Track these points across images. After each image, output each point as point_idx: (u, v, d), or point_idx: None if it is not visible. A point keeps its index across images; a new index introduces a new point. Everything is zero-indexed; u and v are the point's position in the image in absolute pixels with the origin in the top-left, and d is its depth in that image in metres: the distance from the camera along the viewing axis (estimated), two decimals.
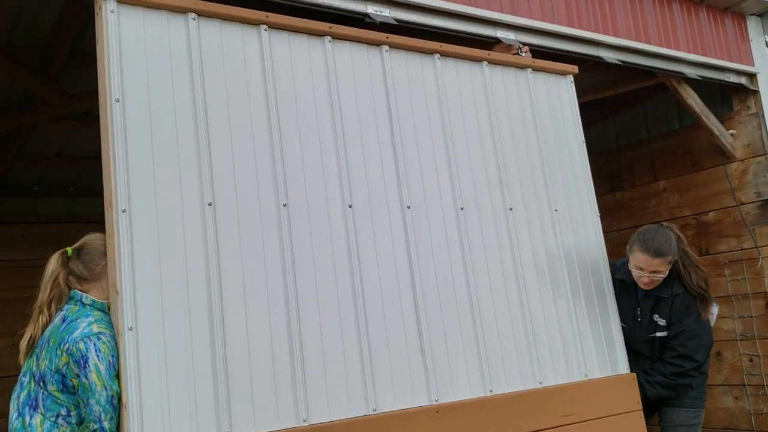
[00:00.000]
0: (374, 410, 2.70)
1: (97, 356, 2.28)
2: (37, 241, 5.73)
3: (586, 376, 3.31)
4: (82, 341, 2.30)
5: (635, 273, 3.41)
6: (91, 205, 5.77)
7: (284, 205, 2.71)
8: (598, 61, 4.34)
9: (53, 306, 2.49)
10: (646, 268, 3.35)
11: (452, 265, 3.10)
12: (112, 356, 2.30)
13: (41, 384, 2.37)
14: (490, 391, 3.00)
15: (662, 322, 3.44)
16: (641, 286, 3.44)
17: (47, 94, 4.06)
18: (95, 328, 2.35)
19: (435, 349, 2.92)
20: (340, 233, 2.83)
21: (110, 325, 2.39)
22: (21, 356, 2.47)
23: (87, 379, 2.26)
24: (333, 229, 2.82)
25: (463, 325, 3.04)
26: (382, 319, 2.84)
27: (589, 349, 3.38)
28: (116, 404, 2.28)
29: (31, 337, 2.45)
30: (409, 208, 3.04)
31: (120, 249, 2.33)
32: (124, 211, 2.36)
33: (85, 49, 3.80)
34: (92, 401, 2.26)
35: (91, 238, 2.61)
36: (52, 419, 2.32)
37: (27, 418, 2.34)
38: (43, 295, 2.49)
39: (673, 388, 3.45)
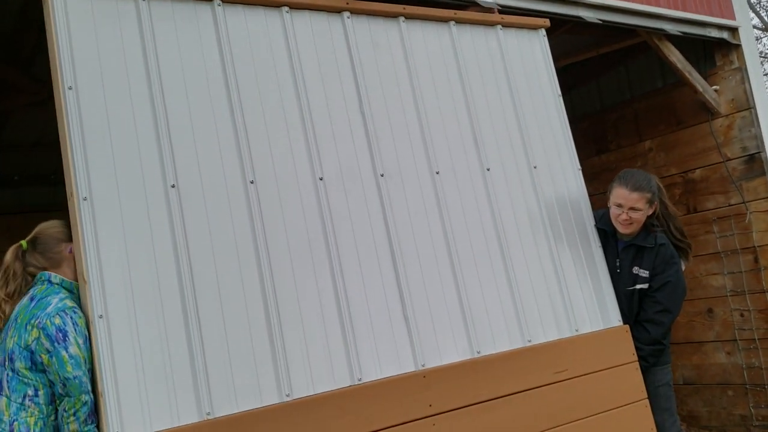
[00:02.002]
0: (359, 380, 2.69)
1: (75, 330, 2.27)
2: (22, 232, 5.70)
3: (576, 331, 3.28)
4: (57, 315, 2.28)
5: (614, 211, 3.37)
6: None
7: (251, 182, 2.68)
8: (579, 22, 4.26)
9: (15, 297, 2.47)
10: (625, 204, 3.31)
11: (431, 231, 3.06)
12: (85, 334, 2.30)
13: (5, 365, 2.35)
14: (478, 353, 2.99)
15: (644, 273, 3.39)
16: (620, 227, 3.38)
17: (18, 80, 4.01)
18: (69, 303, 2.34)
19: (419, 316, 2.90)
20: (312, 207, 2.80)
21: (79, 305, 2.38)
22: None
23: (67, 351, 2.23)
24: (305, 204, 2.79)
25: (446, 290, 3.01)
26: (362, 290, 2.82)
27: (579, 304, 3.34)
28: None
29: None
30: (382, 176, 3.00)
31: (84, 237, 2.32)
32: (85, 199, 2.35)
33: None
34: (78, 372, 2.22)
35: (44, 227, 2.59)
36: (19, 401, 2.29)
37: None
38: (1, 291, 2.47)
39: (662, 351, 3.43)
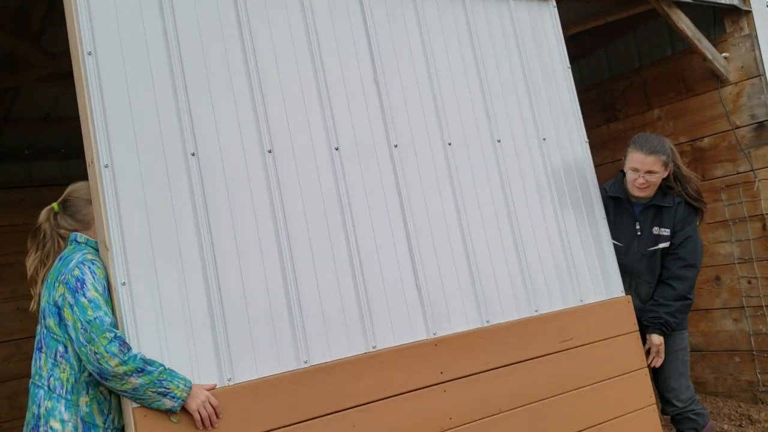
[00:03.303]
0: (374, 347, 2.75)
1: (93, 278, 2.28)
2: (34, 204, 5.71)
3: (581, 301, 3.35)
4: (77, 267, 2.30)
5: (630, 176, 3.45)
6: (84, 166, 5.78)
7: (269, 151, 2.70)
8: None
9: (50, 259, 2.50)
10: (641, 168, 3.39)
11: (443, 201, 3.10)
12: (104, 284, 2.31)
13: (42, 322, 2.38)
14: (487, 322, 3.05)
15: (665, 231, 3.48)
16: (637, 191, 3.47)
17: (28, 54, 4.00)
18: (89, 257, 2.36)
19: (431, 286, 2.95)
20: (328, 177, 2.82)
21: (101, 261, 2.39)
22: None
23: (85, 297, 2.22)
24: (321, 173, 2.81)
25: (456, 260, 3.06)
26: (377, 260, 2.85)
27: (584, 275, 3.41)
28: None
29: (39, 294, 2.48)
30: (396, 147, 3.02)
31: (106, 204, 2.33)
32: (106, 166, 2.35)
33: (60, 5, 3.72)
34: (99, 313, 2.20)
35: (74, 189, 2.60)
36: (53, 358, 2.32)
37: (37, 361, 2.36)
38: (36, 253, 2.50)
39: (689, 307, 3.51)
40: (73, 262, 2.34)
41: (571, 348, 3.23)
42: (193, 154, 2.53)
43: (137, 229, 2.37)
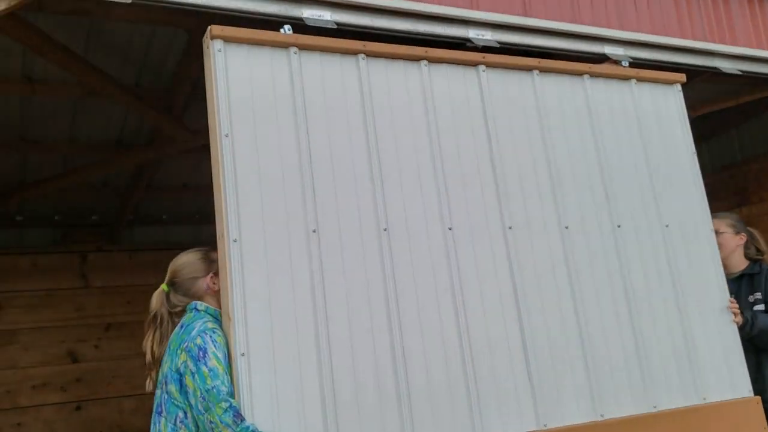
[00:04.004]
0: None
1: (214, 346, 2.39)
2: (168, 266, 6.15)
3: (704, 399, 3.13)
4: (199, 336, 2.42)
5: None
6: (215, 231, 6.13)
7: (384, 230, 2.78)
8: (717, 72, 4.13)
9: (165, 340, 2.63)
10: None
11: (558, 286, 3.04)
12: (225, 351, 2.40)
13: (163, 387, 2.51)
14: (601, 416, 2.91)
15: (758, 295, 3.55)
16: None
17: (173, 130, 4.36)
18: (210, 325, 2.48)
19: (542, 373, 2.88)
20: (440, 256, 2.85)
21: (220, 327, 2.51)
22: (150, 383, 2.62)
23: (206, 366, 2.33)
24: (433, 253, 2.85)
25: (570, 348, 2.97)
26: (487, 342, 2.82)
27: (707, 370, 3.20)
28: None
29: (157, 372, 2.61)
30: (510, 228, 3.02)
31: (232, 276, 2.46)
32: (235, 241, 2.50)
33: (204, 88, 4.07)
34: (216, 382, 2.30)
35: (178, 268, 2.74)
36: (172, 423, 2.42)
37: (157, 424, 2.48)
38: (157, 333, 2.65)
39: None
40: (195, 330, 2.47)
41: None
42: (314, 231, 2.64)
43: (259, 302, 2.48)
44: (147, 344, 2.64)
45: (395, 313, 2.69)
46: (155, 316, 2.68)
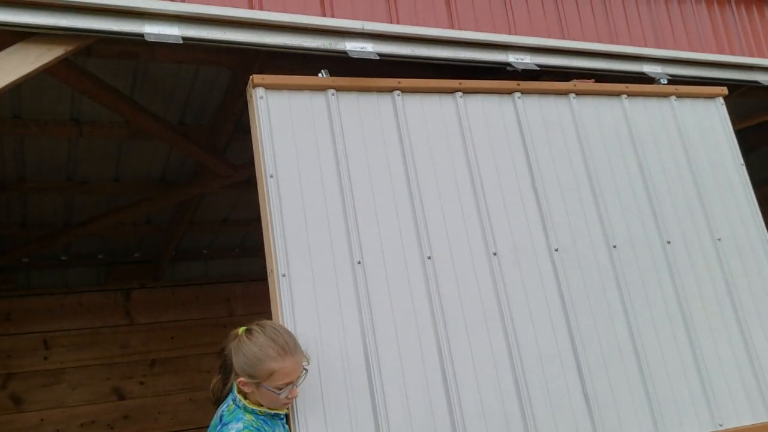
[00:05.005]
0: None
1: None
2: (209, 300, 6.23)
3: None
4: None
5: None
6: (255, 265, 6.22)
7: (428, 258, 2.77)
8: (756, 86, 4.07)
9: (230, 381, 2.44)
10: None
11: (610, 307, 2.99)
12: None
13: None
14: None
15: None
16: None
17: (215, 166, 4.43)
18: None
19: (600, 399, 2.82)
20: (486, 281, 2.84)
21: (259, 429, 2.31)
22: None
23: None
24: (479, 278, 2.83)
25: (627, 366, 2.92)
26: (541, 368, 2.79)
27: None
28: None
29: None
30: (557, 251, 2.99)
31: (283, 311, 2.49)
32: (284, 275, 2.53)
33: (245, 123, 4.10)
34: None
35: (247, 354, 2.30)
36: None
37: None
38: (222, 375, 2.47)
39: None
40: (233, 431, 2.26)
41: None
42: (359, 262, 2.66)
43: (309, 336, 2.48)
44: (212, 383, 2.50)
45: (445, 341, 2.68)
46: (221, 351, 2.46)
